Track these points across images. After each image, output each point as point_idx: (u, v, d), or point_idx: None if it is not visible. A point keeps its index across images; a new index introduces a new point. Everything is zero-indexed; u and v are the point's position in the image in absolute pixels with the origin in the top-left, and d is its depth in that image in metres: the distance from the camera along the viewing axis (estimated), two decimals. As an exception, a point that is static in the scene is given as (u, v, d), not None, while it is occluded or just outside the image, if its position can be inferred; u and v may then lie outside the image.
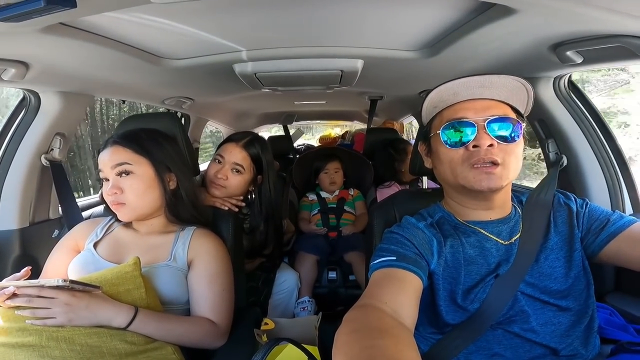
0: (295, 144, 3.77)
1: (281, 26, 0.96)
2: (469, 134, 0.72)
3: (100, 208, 1.42)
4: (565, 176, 1.23)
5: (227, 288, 0.93)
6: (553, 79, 1.15)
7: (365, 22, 0.92)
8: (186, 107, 1.96)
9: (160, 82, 1.44)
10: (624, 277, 1.07)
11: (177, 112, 2.14)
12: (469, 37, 0.88)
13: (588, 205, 0.81)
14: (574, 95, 1.19)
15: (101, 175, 0.93)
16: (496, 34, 0.83)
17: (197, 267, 0.92)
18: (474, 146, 0.72)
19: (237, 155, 1.26)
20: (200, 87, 1.68)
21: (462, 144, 0.73)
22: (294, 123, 3.77)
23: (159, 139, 0.98)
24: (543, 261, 0.76)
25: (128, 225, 1.00)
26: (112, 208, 0.93)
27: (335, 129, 5.31)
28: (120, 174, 0.90)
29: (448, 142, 0.75)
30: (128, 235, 0.98)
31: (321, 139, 4.14)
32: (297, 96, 2.23)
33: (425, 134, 0.85)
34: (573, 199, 0.83)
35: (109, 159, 0.91)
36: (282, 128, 3.56)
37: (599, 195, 1.19)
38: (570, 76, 1.17)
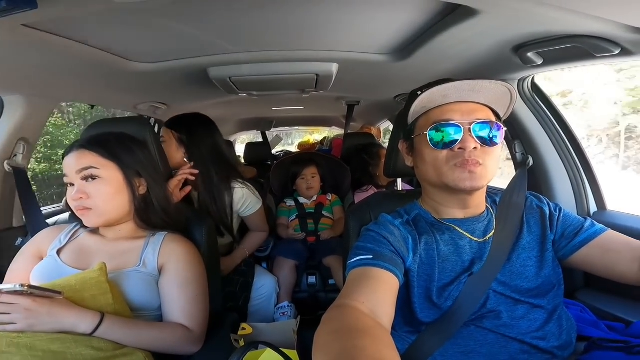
0: (273, 151, 3.76)
1: (255, 30, 0.96)
2: (455, 135, 0.73)
3: (66, 215, 1.36)
4: (531, 176, 1.27)
5: (200, 293, 0.91)
6: (517, 81, 1.20)
7: (338, 26, 0.94)
8: (160, 113, 1.92)
9: (132, 86, 1.41)
10: (593, 274, 1.11)
11: (150, 119, 2.10)
12: (437, 40, 0.91)
13: (562, 211, 0.83)
14: (537, 96, 1.24)
15: (65, 180, 0.90)
16: (463, 36, 0.86)
17: (169, 272, 0.90)
18: (460, 148, 0.73)
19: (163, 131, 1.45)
20: (175, 92, 1.65)
21: (447, 145, 0.74)
22: (273, 129, 3.76)
23: (128, 143, 0.95)
24: (515, 260, 0.77)
25: (94, 231, 0.97)
26: (77, 214, 0.90)
27: (314, 135, 5.34)
28: (86, 179, 0.88)
29: (434, 143, 0.75)
30: (94, 241, 0.95)
31: (300, 146, 4.14)
32: (274, 101, 2.24)
33: (408, 133, 0.85)
34: (546, 202, 0.86)
35: (74, 163, 0.88)
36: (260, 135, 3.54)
37: (563, 193, 1.24)
38: (533, 78, 1.22)
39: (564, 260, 0.81)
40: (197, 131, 1.43)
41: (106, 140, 0.93)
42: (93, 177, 0.87)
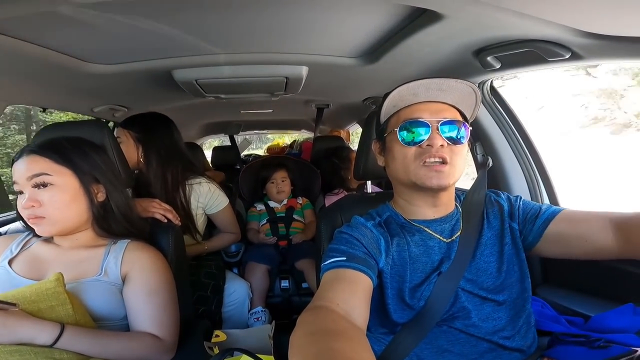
0: (242, 155, 3.69)
1: (224, 31, 0.95)
2: (423, 133, 0.76)
3: (17, 224, 1.26)
4: (491, 176, 1.33)
5: (169, 300, 0.88)
6: (477, 85, 1.26)
7: (309, 29, 0.94)
8: (119, 116, 1.83)
9: (89, 89, 1.34)
10: (550, 269, 1.15)
11: (109, 122, 1.99)
12: (405, 43, 0.94)
13: (521, 199, 0.86)
14: (495, 100, 1.31)
15: (15, 188, 0.84)
16: (428, 40, 0.90)
17: (134, 281, 0.86)
18: (428, 145, 0.76)
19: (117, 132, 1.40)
20: (136, 95, 1.58)
21: (416, 142, 0.77)
22: (241, 133, 3.69)
23: (84, 148, 0.91)
24: (479, 257, 0.79)
25: (48, 240, 0.92)
26: (30, 223, 0.85)
27: (283, 138, 5.31)
28: (37, 186, 0.83)
29: (404, 140, 0.78)
30: (49, 250, 0.90)
31: (269, 149, 4.09)
32: (243, 104, 2.20)
33: (380, 132, 0.87)
34: (503, 196, 0.88)
35: (24, 170, 0.83)
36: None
37: (520, 192, 1.30)
38: (491, 82, 1.29)
39: (536, 243, 0.81)
40: (156, 130, 1.39)
41: (60, 144, 0.88)
42: (45, 184, 0.83)
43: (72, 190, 0.85)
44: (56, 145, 0.87)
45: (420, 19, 0.81)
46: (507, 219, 0.83)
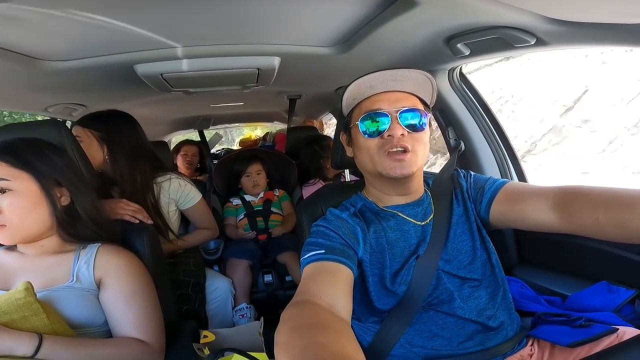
0: (213, 150, 3.59)
1: (192, 23, 0.91)
2: (384, 123, 0.78)
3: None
4: (464, 160, 1.39)
5: (150, 304, 0.86)
6: (448, 71, 1.29)
7: (280, 19, 0.92)
8: (77, 114, 1.72)
9: (41, 87, 1.24)
10: (525, 250, 1.19)
11: (66, 122, 1.86)
12: (378, 32, 0.94)
13: (472, 177, 0.88)
14: (464, 85, 1.35)
15: None
16: (401, 27, 0.90)
17: (110, 286, 0.84)
18: (389, 135, 0.77)
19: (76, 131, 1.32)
20: (95, 92, 1.49)
21: (378, 133, 0.78)
22: (211, 128, 3.58)
23: (43, 150, 0.86)
24: (453, 236, 0.82)
25: (11, 248, 0.88)
26: None
27: (256, 131, 5.22)
28: None
29: (366, 132, 0.80)
30: (13, 259, 0.86)
31: (241, 143, 4.01)
32: (212, 98, 2.13)
33: (345, 124, 0.89)
34: (461, 174, 0.90)
35: None
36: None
37: (491, 173, 1.35)
38: (461, 68, 1.32)
39: (488, 223, 0.83)
40: (120, 129, 1.34)
41: (16, 146, 0.83)
42: (3, 190, 0.78)
43: (33, 196, 0.81)
44: (12, 148, 0.82)
45: (394, 6, 0.81)
46: (467, 198, 0.86)
